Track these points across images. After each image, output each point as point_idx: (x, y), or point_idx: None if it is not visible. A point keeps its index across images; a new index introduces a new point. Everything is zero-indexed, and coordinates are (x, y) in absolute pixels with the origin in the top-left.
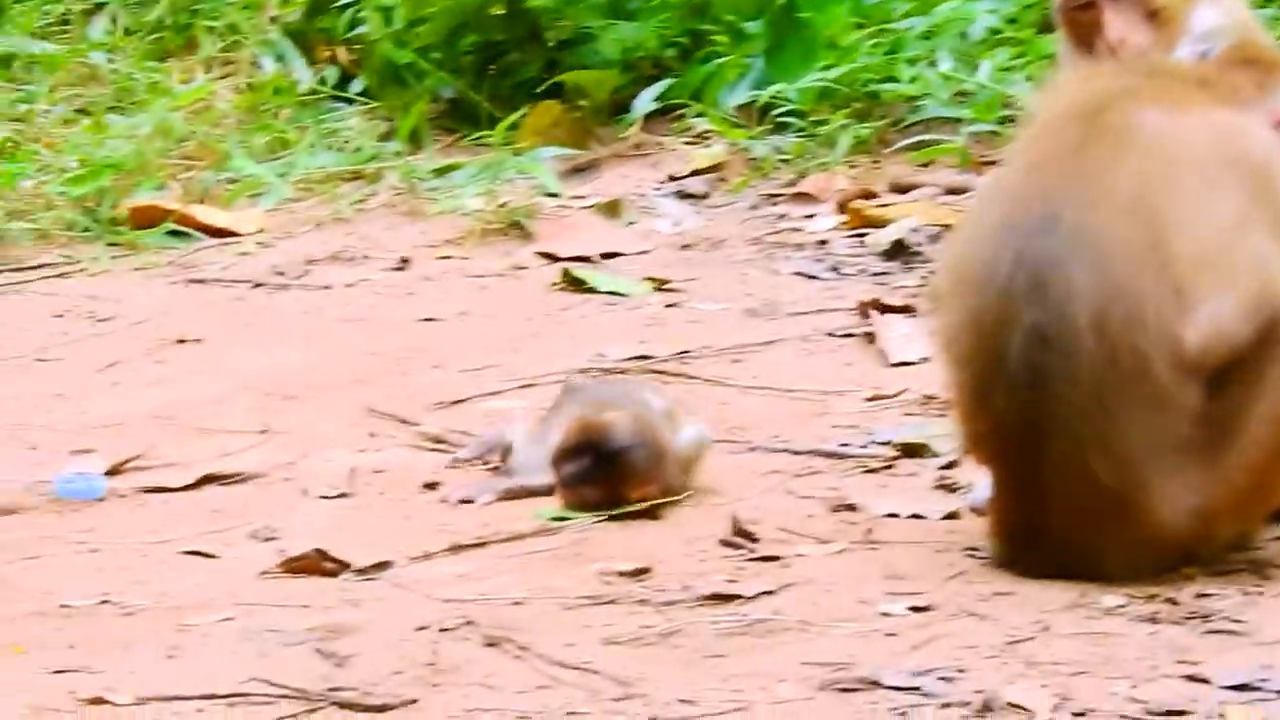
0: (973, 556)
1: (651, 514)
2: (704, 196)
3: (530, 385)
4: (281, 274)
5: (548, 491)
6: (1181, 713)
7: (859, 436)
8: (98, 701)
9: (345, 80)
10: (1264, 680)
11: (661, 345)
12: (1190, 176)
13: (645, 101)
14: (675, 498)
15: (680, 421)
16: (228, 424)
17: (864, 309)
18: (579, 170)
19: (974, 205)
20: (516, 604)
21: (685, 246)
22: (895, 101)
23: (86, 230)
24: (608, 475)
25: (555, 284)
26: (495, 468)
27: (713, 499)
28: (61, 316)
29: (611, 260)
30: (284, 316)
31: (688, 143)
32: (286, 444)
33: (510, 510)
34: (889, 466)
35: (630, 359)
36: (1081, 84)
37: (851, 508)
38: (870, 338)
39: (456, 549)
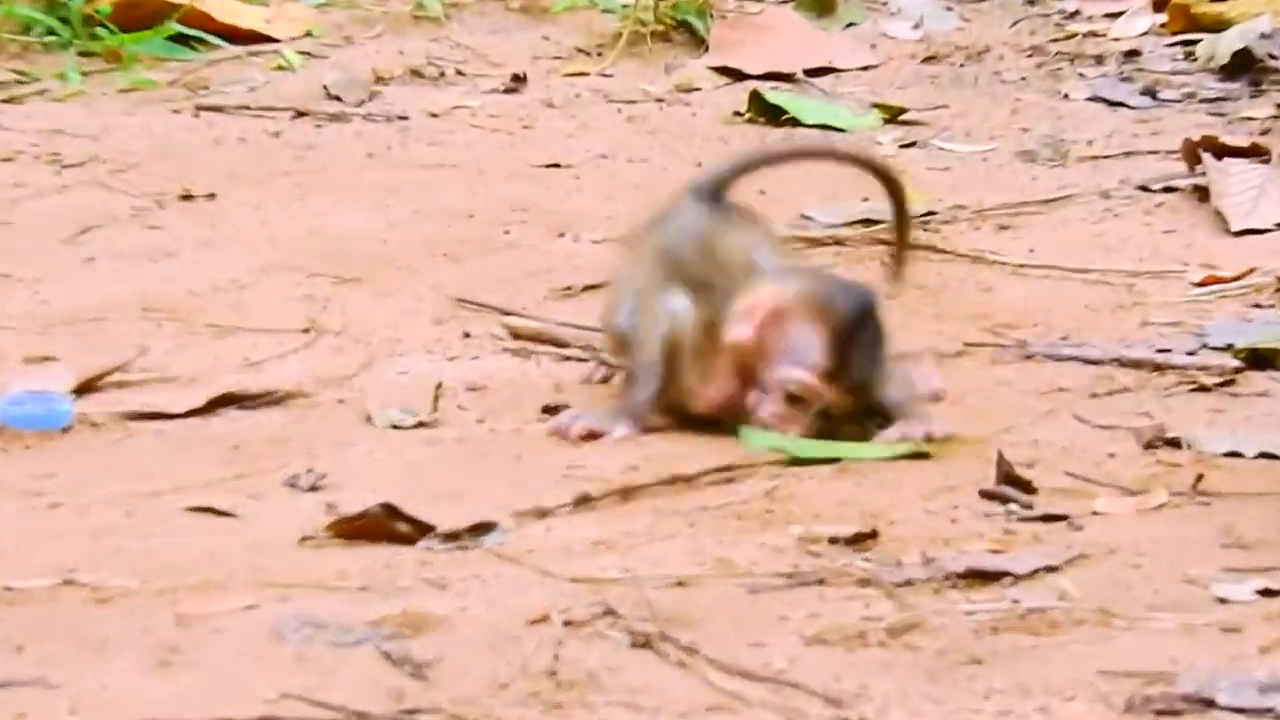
0: None
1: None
2: None
3: None
4: (337, 99)
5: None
6: None
7: (1184, 338)
8: None
9: None
10: None
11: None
12: None
13: None
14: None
15: None
16: (254, 319)
17: (1192, 151)
18: None
19: None
20: (679, 585)
21: (930, 59)
22: None
23: (50, 35)
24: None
25: (739, 114)
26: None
27: (969, 429)
28: (11, 160)
29: (822, 79)
30: (339, 161)
31: None
32: (341, 348)
33: (672, 445)
34: (1228, 383)
35: (848, 224)
36: None
37: (1173, 443)
38: (1201, 194)
39: (590, 502)
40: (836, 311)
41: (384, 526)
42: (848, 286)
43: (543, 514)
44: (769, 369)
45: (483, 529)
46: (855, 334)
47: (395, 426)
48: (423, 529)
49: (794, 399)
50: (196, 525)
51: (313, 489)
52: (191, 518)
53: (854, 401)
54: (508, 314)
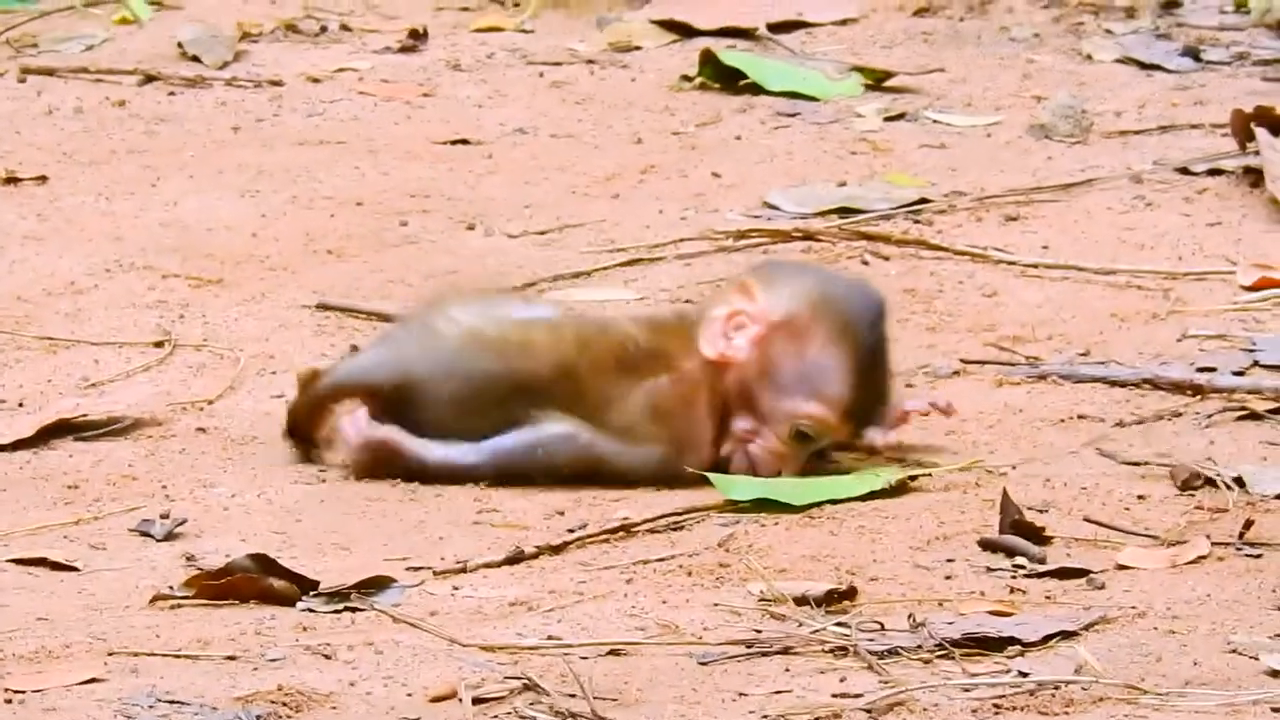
0: None
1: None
2: None
3: (640, 261)
4: (195, 60)
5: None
6: None
7: (1231, 355)
8: None
9: None
10: None
11: (880, 189)
12: None
13: None
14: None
15: None
16: (95, 330)
17: (1243, 124)
18: None
19: None
20: (614, 654)
21: (923, 11)
22: None
23: None
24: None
25: (688, 78)
26: None
27: (967, 463)
28: None
29: (789, 35)
30: (198, 137)
31: None
32: (202, 366)
33: (605, 486)
34: None
35: (820, 214)
36: None
37: (1216, 483)
38: (1254, 177)
39: (516, 558)
40: (855, 326)
41: (255, 583)
42: (856, 288)
43: (454, 570)
44: (771, 397)
45: (375, 586)
46: (876, 356)
47: (269, 461)
48: (303, 585)
49: (801, 435)
50: (26, 581)
51: (168, 537)
52: (20, 572)
53: (855, 436)
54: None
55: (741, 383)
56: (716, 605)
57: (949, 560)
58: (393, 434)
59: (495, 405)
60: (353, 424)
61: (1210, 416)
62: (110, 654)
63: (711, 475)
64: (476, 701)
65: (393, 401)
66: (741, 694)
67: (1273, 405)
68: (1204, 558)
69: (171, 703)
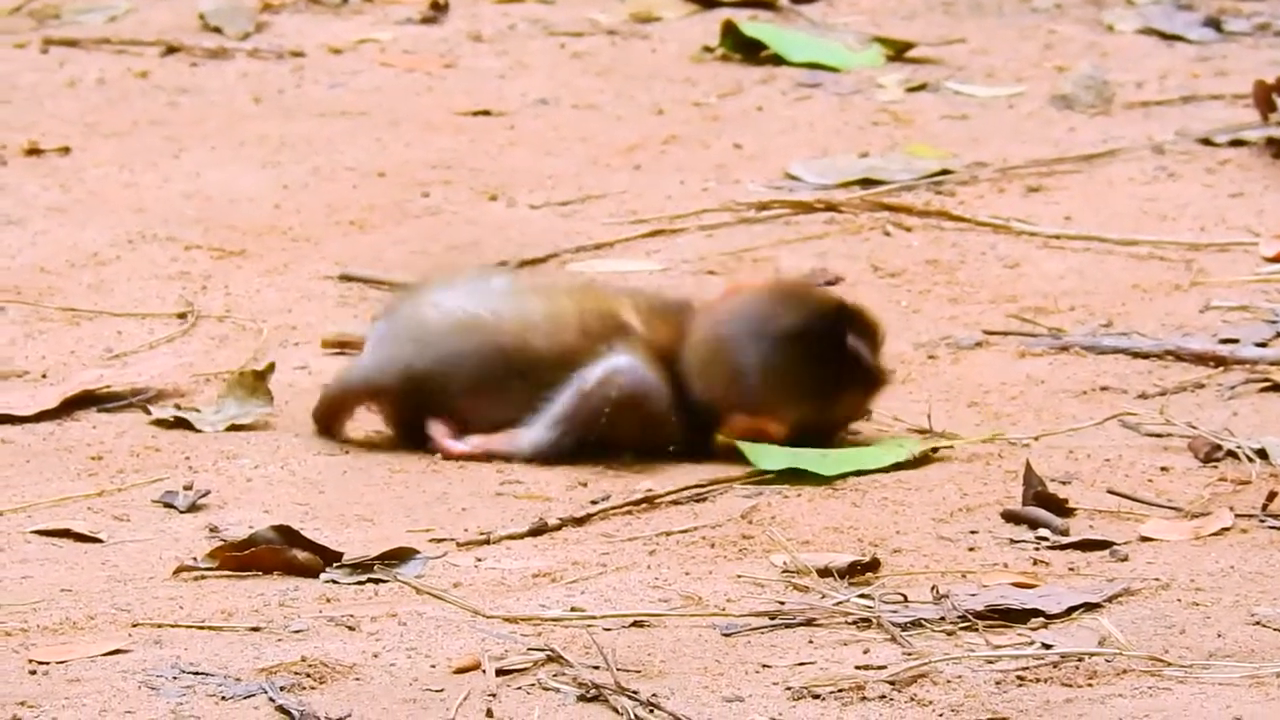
0: None
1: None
2: None
3: (662, 232)
4: (216, 31)
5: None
6: None
7: (1254, 326)
8: None
9: None
10: None
11: (902, 160)
12: None
13: None
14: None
15: None
16: (118, 301)
17: (1266, 95)
18: None
19: None
20: (638, 625)
21: None
22: None
23: None
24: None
25: (709, 49)
26: None
27: (990, 435)
28: None
29: (811, 6)
30: (220, 108)
31: None
32: (225, 337)
33: (627, 459)
34: None
35: (843, 185)
36: None
37: (1239, 455)
38: (1276, 148)
39: (539, 530)
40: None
41: (279, 554)
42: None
43: (477, 541)
44: None
45: (399, 557)
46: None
47: (293, 432)
48: (326, 557)
49: None
50: (50, 553)
51: (192, 509)
52: (44, 544)
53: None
54: None
55: None
56: (740, 577)
57: (972, 532)
58: (480, 445)
59: (508, 384)
60: (443, 441)
61: (1233, 388)
62: (134, 625)
63: (742, 445)
64: (500, 673)
65: (405, 397)
66: (765, 665)
67: None
68: (1227, 530)
69: (195, 674)
